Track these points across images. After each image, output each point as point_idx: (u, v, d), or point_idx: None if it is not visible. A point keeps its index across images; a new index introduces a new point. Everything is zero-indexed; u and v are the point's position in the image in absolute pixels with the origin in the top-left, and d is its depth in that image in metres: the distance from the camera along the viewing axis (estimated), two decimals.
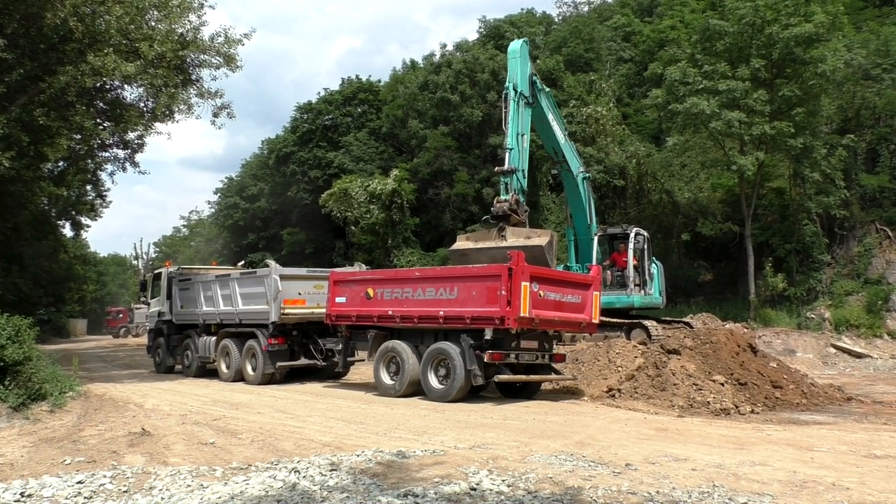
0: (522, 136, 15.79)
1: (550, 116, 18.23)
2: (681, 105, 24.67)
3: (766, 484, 6.42)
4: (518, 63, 16.35)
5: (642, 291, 19.55)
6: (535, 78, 17.11)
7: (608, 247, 20.47)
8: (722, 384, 11.92)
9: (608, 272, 19.46)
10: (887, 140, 28.09)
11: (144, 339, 26.75)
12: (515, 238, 14.05)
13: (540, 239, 13.84)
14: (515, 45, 16.80)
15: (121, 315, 58.06)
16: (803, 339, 22.53)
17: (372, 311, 13.97)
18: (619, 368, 13.25)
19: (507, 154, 15.22)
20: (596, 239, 19.80)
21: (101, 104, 19.63)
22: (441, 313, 12.63)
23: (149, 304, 21.67)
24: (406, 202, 38.09)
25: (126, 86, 18.74)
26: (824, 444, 8.59)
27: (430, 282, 13.26)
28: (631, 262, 19.44)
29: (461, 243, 14.88)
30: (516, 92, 15.96)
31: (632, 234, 19.64)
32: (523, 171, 15.34)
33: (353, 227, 38.11)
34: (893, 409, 12.78)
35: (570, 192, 20.13)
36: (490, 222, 15.00)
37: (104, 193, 35.64)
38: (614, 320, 18.49)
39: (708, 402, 11.42)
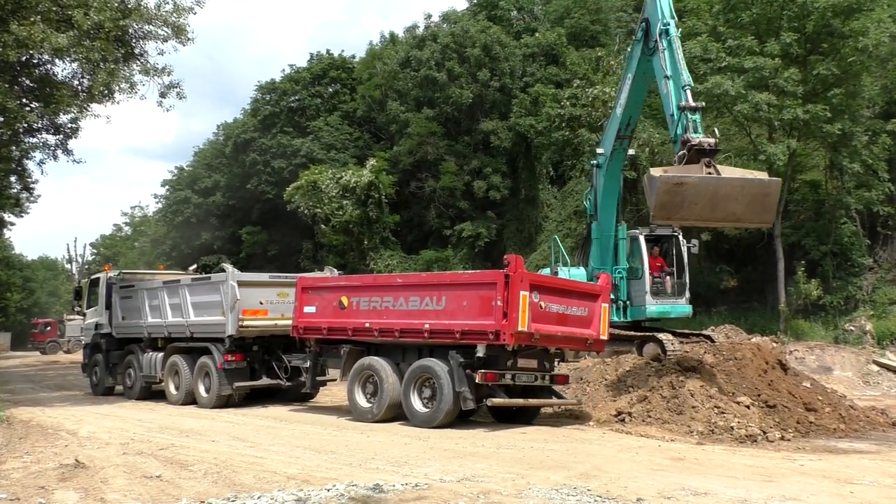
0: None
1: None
2: (701, 85, 24.72)
3: None
4: None
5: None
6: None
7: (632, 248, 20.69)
8: (747, 407, 12.00)
9: (667, 278, 19.95)
10: None
11: (79, 356, 26.56)
12: (732, 172, 13.42)
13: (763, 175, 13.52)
14: None
15: (49, 328, 57.60)
16: (841, 355, 22.68)
17: (346, 323, 13.95)
18: (630, 388, 13.31)
19: (686, 91, 14.25)
20: (643, 239, 19.82)
21: (28, 81, 19.45)
22: (426, 326, 12.63)
23: (84, 315, 21.54)
24: (384, 197, 38.08)
25: (57, 60, 18.55)
26: (865, 476, 8.67)
27: (414, 290, 13.26)
28: (686, 267, 20.05)
29: (665, 172, 13.08)
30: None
31: (680, 236, 20.17)
32: None
33: (323, 226, 38.05)
34: None
35: (610, 179, 19.50)
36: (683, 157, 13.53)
37: (31, 186, 35.27)
38: (625, 333, 18.59)
39: (731, 428, 11.48)
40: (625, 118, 17.93)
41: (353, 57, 50.98)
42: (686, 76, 14.41)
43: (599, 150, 18.57)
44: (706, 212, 12.94)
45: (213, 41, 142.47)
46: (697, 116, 13.88)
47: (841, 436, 12.04)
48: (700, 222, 14.83)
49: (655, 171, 13.09)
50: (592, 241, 19.74)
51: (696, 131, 13.56)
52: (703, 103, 15.01)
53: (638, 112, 18.76)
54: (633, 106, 17.92)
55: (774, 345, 21.35)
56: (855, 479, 8.45)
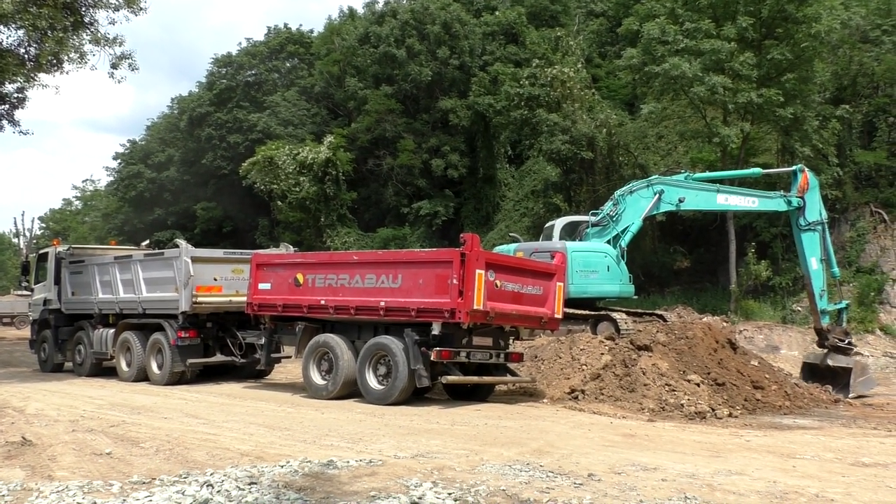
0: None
1: None
2: (659, 67, 24.99)
3: (744, 495, 6.64)
4: None
5: None
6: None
7: None
8: (697, 385, 12.26)
9: None
10: (885, 112, 28.86)
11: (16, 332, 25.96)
12: None
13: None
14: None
15: None
16: (788, 335, 23.21)
17: (301, 300, 13.89)
18: (584, 367, 13.47)
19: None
20: None
21: None
22: (382, 304, 12.63)
23: (32, 291, 21.11)
24: (342, 174, 37.86)
25: (1, 27, 18.05)
26: (808, 450, 8.93)
27: (370, 267, 13.24)
28: None
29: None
30: None
31: None
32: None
33: (279, 202, 37.73)
34: (884, 412, 13.39)
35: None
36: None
37: None
38: (579, 312, 18.78)
39: (681, 405, 11.73)
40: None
41: (312, 31, 50.45)
42: (836, 268, 18.26)
43: (682, 197, 18.70)
44: None
45: (170, 12, 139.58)
46: None
47: (786, 412, 12.40)
48: None
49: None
50: (628, 231, 19.74)
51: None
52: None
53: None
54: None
55: (725, 324, 21.80)
56: (798, 453, 8.70)
